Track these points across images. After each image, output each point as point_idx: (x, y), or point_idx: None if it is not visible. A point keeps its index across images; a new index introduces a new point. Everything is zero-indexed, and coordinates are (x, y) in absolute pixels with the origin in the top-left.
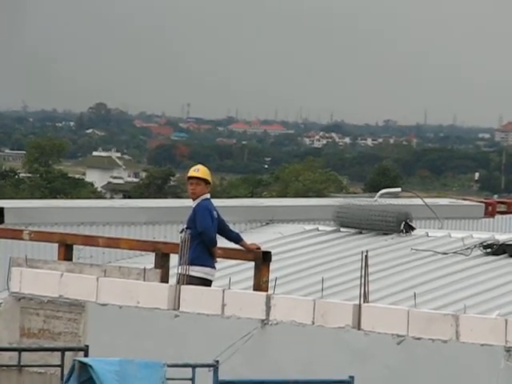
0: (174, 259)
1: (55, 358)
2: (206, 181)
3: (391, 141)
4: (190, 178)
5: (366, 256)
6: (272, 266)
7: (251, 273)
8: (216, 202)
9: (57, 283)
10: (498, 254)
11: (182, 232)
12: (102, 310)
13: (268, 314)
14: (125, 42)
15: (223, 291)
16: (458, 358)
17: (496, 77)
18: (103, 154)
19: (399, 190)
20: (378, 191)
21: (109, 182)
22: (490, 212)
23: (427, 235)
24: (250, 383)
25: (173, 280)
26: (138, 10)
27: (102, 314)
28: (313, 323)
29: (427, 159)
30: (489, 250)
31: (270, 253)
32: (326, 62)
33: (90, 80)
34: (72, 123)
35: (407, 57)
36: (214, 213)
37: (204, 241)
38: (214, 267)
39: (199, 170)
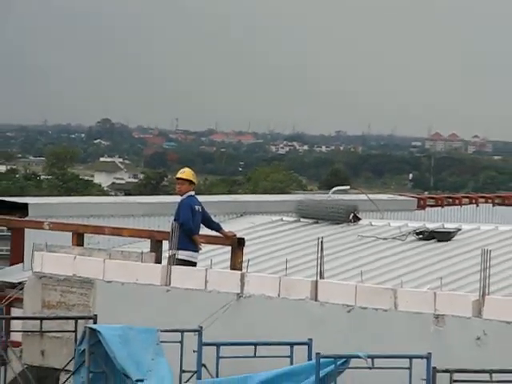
0: (166, 245)
1: (70, 325)
2: (189, 181)
3: (341, 148)
4: (177, 178)
5: (322, 241)
6: (245, 249)
7: (228, 255)
8: (200, 198)
9: (71, 264)
10: (428, 239)
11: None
12: (108, 286)
13: (242, 288)
14: (125, 66)
15: (206, 270)
16: (397, 324)
17: (427, 96)
18: (108, 159)
19: (348, 187)
20: (330, 189)
21: (113, 183)
22: (421, 205)
23: (371, 224)
24: (228, 344)
25: (165, 261)
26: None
27: (108, 289)
28: (278, 296)
29: (370, 163)
30: (421, 236)
31: (243, 239)
32: (288, 85)
33: (98, 99)
34: (83, 135)
35: (354, 77)
36: (197, 207)
37: (185, 230)
38: (196, 251)
39: (184, 172)
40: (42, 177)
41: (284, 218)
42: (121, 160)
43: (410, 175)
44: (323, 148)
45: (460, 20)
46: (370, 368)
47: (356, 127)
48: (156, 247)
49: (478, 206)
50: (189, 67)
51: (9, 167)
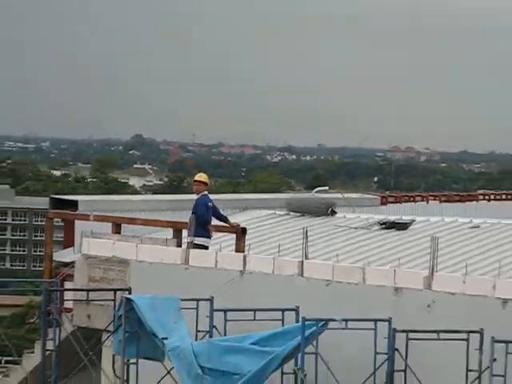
0: (185, 233)
1: (110, 295)
2: (204, 183)
3: (322, 157)
4: (195, 181)
5: (306, 230)
6: (247, 236)
7: (233, 241)
8: (212, 196)
9: (111, 248)
10: (389, 228)
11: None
12: (140, 264)
13: (244, 267)
14: (153, 89)
15: (216, 252)
16: (365, 295)
17: (388, 116)
18: (140, 166)
19: (327, 188)
20: (313, 189)
21: (144, 184)
22: (384, 202)
23: (344, 216)
24: (233, 310)
25: (184, 246)
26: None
27: (140, 267)
28: (273, 272)
29: (345, 169)
30: (383, 226)
31: (245, 228)
32: (279, 106)
33: (132, 119)
34: (120, 147)
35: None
36: (210, 203)
37: (200, 222)
38: (209, 238)
39: (201, 176)
40: (89, 179)
41: (277, 212)
42: (150, 167)
43: (375, 178)
44: (308, 157)
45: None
46: (343, 329)
47: (334, 141)
48: (177, 235)
49: (428, 202)
50: (201, 93)
51: (63, 172)
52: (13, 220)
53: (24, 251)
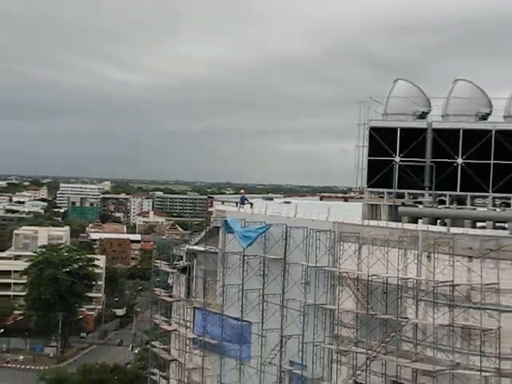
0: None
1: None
2: (243, 192)
3: (268, 187)
4: (239, 191)
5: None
6: (254, 205)
7: (249, 206)
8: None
9: (222, 207)
10: (286, 203)
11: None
12: (229, 211)
13: (252, 212)
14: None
15: (246, 209)
16: (283, 220)
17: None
18: (227, 189)
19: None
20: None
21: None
22: (285, 196)
23: (272, 200)
24: (251, 222)
25: (237, 207)
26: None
27: (229, 212)
28: (259, 212)
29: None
30: (285, 202)
31: (253, 203)
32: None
33: (220, 171)
34: (223, 184)
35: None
36: (244, 196)
37: (241, 202)
38: (244, 204)
39: (241, 189)
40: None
41: (260, 199)
42: (231, 189)
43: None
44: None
45: None
46: (277, 227)
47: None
48: (236, 205)
49: (293, 196)
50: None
51: (211, 190)
52: (196, 201)
53: (195, 210)
